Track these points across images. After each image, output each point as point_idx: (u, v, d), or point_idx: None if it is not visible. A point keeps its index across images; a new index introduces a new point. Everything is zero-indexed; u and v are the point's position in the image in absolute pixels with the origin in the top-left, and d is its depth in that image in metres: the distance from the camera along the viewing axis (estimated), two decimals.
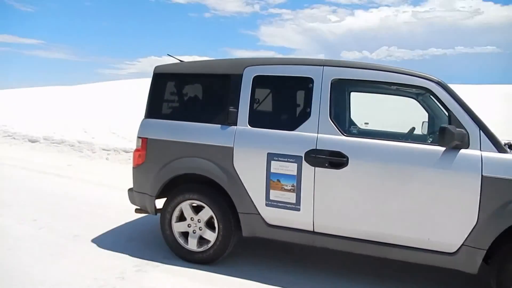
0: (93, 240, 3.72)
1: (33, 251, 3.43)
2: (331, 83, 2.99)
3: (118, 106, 14.72)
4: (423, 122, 3.70)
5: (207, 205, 3.22)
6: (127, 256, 3.40)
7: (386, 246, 2.83)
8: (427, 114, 3.59)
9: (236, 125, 3.17)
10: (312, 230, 2.99)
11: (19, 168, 6.98)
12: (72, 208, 4.72)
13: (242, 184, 3.11)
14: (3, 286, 2.82)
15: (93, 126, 10.29)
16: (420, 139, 3.43)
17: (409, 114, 3.76)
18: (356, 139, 2.94)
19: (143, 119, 3.56)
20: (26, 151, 8.69)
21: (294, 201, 2.98)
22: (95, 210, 4.67)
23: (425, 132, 3.64)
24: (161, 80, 3.57)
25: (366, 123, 4.25)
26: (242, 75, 3.22)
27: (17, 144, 9.30)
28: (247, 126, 3.15)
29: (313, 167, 2.92)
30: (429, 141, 3.18)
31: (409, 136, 3.58)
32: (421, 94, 3.40)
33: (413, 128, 3.66)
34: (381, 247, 2.84)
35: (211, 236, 3.25)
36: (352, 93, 3.86)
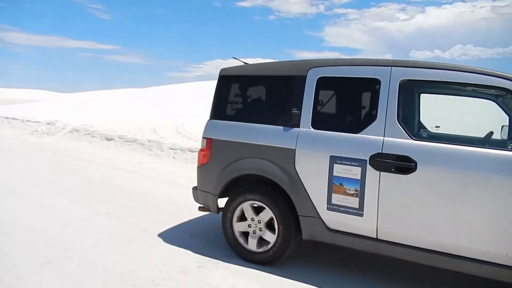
0: (159, 235, 3.92)
1: (107, 241, 3.70)
2: (399, 84, 2.85)
3: (185, 108, 15.36)
4: (502, 126, 3.39)
5: (268, 206, 3.24)
6: (190, 252, 3.53)
7: (456, 258, 2.63)
8: (507, 118, 3.29)
9: (299, 127, 3.15)
10: (375, 237, 2.87)
11: (97, 164, 7.60)
12: (141, 203, 5.02)
13: (304, 186, 3.08)
14: (81, 270, 3.08)
15: (162, 126, 10.84)
16: (499, 144, 3.15)
17: (486, 117, 3.46)
18: (426, 143, 2.77)
19: (208, 120, 3.67)
20: (103, 148, 9.41)
21: (357, 206, 2.89)
22: (162, 206, 4.92)
23: (505, 137, 3.33)
24: (226, 82, 3.66)
25: (437, 127, 4.00)
26: (306, 76, 3.20)
27: (95, 141, 10.09)
28: (310, 128, 3.11)
29: (378, 172, 2.80)
30: (509, 147, 2.92)
31: (487, 141, 3.30)
32: (501, 96, 3.12)
33: (491, 133, 3.37)
34: (451, 259, 2.64)
35: (271, 237, 3.26)
36: (422, 95, 3.66)
